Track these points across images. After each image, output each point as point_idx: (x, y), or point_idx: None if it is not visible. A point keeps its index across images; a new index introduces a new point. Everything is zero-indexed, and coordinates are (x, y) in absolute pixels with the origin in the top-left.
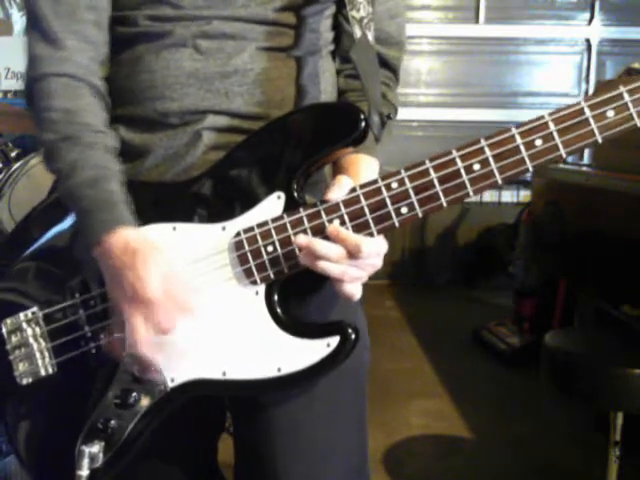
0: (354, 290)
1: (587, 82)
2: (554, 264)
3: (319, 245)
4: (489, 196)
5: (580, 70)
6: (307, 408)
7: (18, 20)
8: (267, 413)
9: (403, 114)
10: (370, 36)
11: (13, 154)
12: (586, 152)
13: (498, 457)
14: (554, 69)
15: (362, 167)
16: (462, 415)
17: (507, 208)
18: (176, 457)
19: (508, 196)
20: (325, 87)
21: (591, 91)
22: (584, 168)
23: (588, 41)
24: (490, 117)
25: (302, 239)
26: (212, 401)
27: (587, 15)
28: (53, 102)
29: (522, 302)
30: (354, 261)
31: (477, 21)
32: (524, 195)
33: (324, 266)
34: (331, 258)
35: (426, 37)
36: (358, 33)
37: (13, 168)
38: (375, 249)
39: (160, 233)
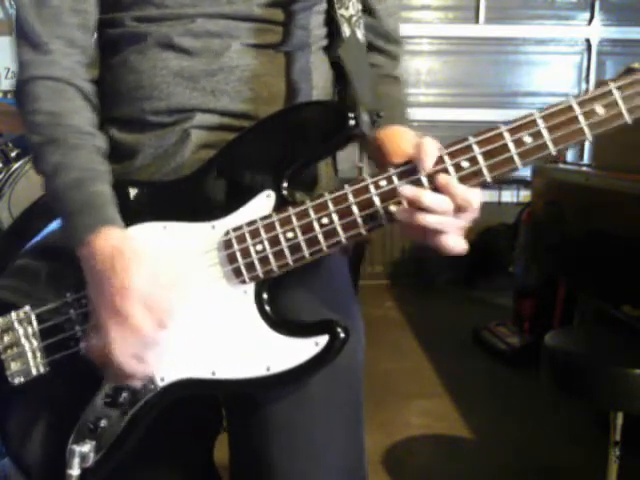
0: (457, 241)
1: (587, 82)
2: (554, 264)
3: (427, 197)
4: (489, 196)
5: (580, 70)
6: (302, 407)
7: None
8: (262, 412)
9: None
10: (359, 34)
11: (13, 154)
12: (586, 152)
13: (498, 457)
14: (554, 69)
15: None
16: (462, 415)
17: (507, 208)
18: (172, 458)
19: (508, 196)
20: (317, 83)
21: None
22: (584, 168)
23: (588, 41)
24: (490, 117)
25: (409, 190)
26: (208, 401)
27: (587, 15)
28: (39, 105)
29: (522, 302)
30: (458, 213)
31: (477, 21)
32: (524, 195)
33: (424, 217)
34: (436, 211)
35: (426, 37)
36: (347, 32)
37: (13, 168)
38: (479, 202)
39: (150, 232)
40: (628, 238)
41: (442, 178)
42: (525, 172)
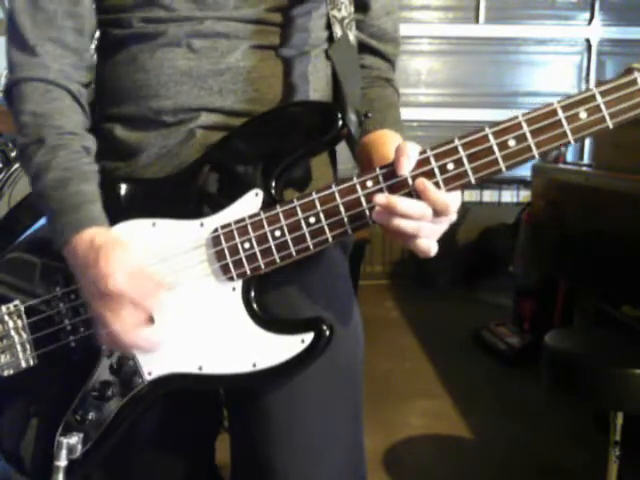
0: (430, 245)
1: (587, 82)
2: (554, 264)
3: (401, 205)
4: (489, 196)
5: (580, 70)
6: (303, 405)
7: None
8: (263, 412)
9: (403, 114)
10: (351, 36)
11: (13, 154)
12: (586, 152)
13: (498, 457)
14: (554, 69)
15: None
16: (462, 415)
17: (507, 208)
18: (172, 458)
19: (508, 196)
20: (316, 86)
21: None
22: (584, 168)
23: (588, 41)
24: (490, 117)
25: (382, 198)
26: (208, 401)
27: (587, 15)
28: (25, 106)
29: (522, 302)
30: (435, 218)
31: (477, 21)
32: (524, 195)
33: (399, 223)
34: (412, 216)
35: (426, 37)
36: (339, 33)
37: (13, 168)
38: (458, 205)
39: (139, 229)
40: (628, 238)
41: (420, 184)
42: (525, 172)
